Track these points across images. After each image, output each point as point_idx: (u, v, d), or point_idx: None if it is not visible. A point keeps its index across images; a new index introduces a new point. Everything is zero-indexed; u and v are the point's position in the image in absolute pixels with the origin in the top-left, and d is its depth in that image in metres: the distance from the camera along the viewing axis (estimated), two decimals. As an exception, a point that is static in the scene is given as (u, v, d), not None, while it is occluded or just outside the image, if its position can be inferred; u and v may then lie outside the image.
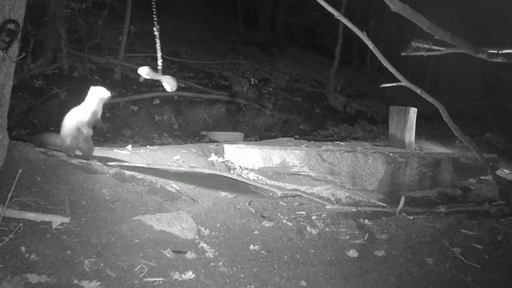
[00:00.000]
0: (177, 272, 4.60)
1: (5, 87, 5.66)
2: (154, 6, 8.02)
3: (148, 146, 10.09)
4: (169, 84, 7.62)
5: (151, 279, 4.38)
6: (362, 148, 10.68)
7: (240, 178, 8.26)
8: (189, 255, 5.09)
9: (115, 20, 19.12)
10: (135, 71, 17.47)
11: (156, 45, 7.94)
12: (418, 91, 8.32)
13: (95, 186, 6.24)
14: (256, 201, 7.53)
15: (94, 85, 7.76)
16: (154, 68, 7.84)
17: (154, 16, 7.97)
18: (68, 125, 7.34)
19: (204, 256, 5.21)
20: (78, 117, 7.40)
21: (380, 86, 9.37)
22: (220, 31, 30.22)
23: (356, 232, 6.79)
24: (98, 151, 8.25)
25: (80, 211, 5.47)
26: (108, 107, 15.01)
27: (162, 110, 16.02)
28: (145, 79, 7.78)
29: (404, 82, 8.21)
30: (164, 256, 4.90)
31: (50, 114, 13.99)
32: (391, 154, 9.43)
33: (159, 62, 8.00)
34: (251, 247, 5.80)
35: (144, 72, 7.44)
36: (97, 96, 7.59)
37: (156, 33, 7.87)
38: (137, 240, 5.15)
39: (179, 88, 8.14)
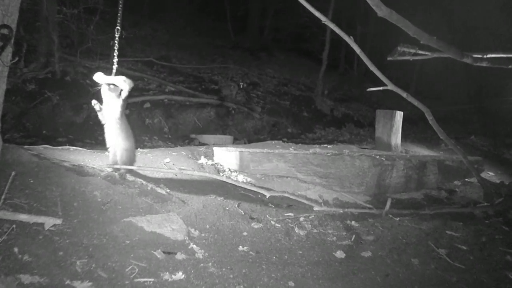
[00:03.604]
0: (167, 273, 4.60)
1: (-2, 91, 5.66)
2: (120, 5, 7.90)
3: (138, 149, 10.05)
4: (124, 83, 7.35)
5: (142, 280, 4.37)
6: (349, 151, 10.68)
7: (229, 181, 8.24)
8: (179, 256, 5.09)
9: (106, 25, 19.11)
10: (126, 74, 17.48)
11: (114, 46, 7.81)
12: (404, 94, 8.34)
13: (86, 188, 6.22)
14: (245, 203, 7.52)
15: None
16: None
17: (119, 15, 7.83)
18: None
19: (194, 257, 5.21)
20: None
21: (367, 90, 9.40)
22: (210, 36, 30.29)
23: (343, 234, 6.79)
24: (90, 154, 8.25)
25: (72, 213, 5.46)
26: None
27: (152, 114, 16.02)
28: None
29: (390, 86, 8.24)
30: (154, 257, 4.89)
31: (42, 118, 14.02)
32: (377, 157, 9.44)
33: (115, 61, 7.84)
34: (240, 248, 5.80)
35: (97, 78, 7.18)
36: None
37: (116, 35, 7.74)
38: (128, 241, 5.15)
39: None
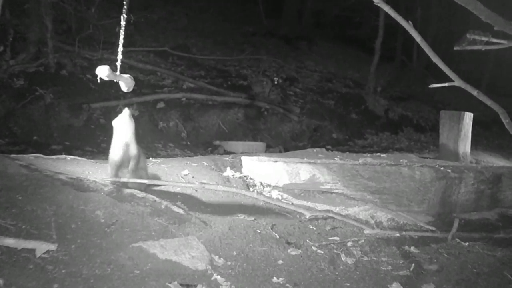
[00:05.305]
0: (185, 310, 4.60)
1: (-20, 88, 5.69)
2: None
3: (151, 158, 10.08)
4: (125, 84, 7.39)
5: (154, 318, 4.38)
6: (407, 161, 10.62)
7: (261, 197, 8.23)
8: (200, 289, 5.09)
9: (110, 8, 19.15)
10: (134, 68, 17.48)
11: (120, 37, 7.78)
12: (475, 92, 8.29)
13: (87, 206, 6.24)
14: (280, 224, 7.51)
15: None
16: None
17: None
18: None
19: (218, 290, 5.21)
20: None
21: (429, 86, 9.35)
22: (237, 21, 30.23)
23: (400, 262, 6.76)
24: (91, 165, 8.28)
25: (69, 237, 5.47)
26: (102, 112, 15.03)
27: (167, 116, 16.05)
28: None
29: (457, 82, 8.19)
30: (170, 291, 4.90)
31: (33, 121, 14.04)
32: (442, 168, 9.39)
33: (119, 57, 7.82)
34: (274, 279, 5.78)
35: (103, 72, 7.13)
36: None
37: (122, 22, 7.73)
38: (138, 271, 5.15)
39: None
